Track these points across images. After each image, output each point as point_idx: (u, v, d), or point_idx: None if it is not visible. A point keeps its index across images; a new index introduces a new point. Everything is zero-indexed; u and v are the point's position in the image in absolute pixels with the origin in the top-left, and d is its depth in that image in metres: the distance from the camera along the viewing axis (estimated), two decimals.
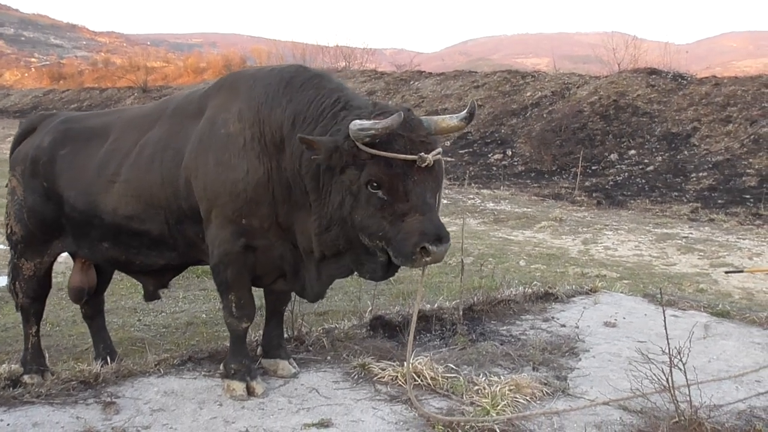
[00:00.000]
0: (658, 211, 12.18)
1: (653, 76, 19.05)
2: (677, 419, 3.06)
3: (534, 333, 4.50)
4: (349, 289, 6.33)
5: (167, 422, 3.03)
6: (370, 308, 4.77)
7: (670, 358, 3.12)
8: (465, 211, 11.83)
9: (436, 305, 4.93)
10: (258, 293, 3.80)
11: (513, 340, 4.37)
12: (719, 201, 12.48)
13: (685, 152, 15.28)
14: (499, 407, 3.20)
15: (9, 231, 3.85)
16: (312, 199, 3.06)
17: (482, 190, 14.66)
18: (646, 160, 15.37)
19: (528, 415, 3.22)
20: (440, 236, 2.76)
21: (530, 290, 5.38)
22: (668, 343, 3.15)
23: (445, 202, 12.57)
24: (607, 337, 4.49)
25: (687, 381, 3.14)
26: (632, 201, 13.05)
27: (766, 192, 12.19)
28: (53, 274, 5.91)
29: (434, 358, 3.78)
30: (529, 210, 12.24)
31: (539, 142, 16.81)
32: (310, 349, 4.02)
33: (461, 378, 3.52)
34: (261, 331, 3.87)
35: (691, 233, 10.11)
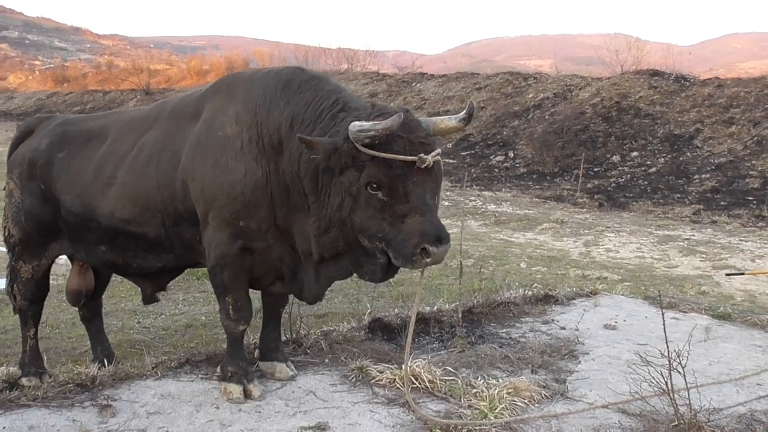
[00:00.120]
0: (660, 212, 12.14)
1: (656, 77, 18.99)
2: (676, 423, 3.05)
3: (533, 335, 4.48)
4: (348, 291, 6.32)
5: (163, 425, 3.02)
6: (369, 310, 4.76)
7: (669, 361, 3.10)
8: (466, 213, 11.81)
9: (435, 308, 4.92)
10: (255, 295, 3.80)
11: (512, 342, 4.35)
12: (722, 203, 12.43)
13: (688, 154, 15.23)
14: (497, 410, 3.19)
15: (6, 234, 3.85)
16: (311, 201, 3.05)
17: (484, 192, 14.63)
18: (648, 162, 15.32)
19: (526, 418, 3.20)
20: (440, 237, 2.75)
21: (530, 293, 5.36)
22: (667, 346, 3.13)
23: (446, 203, 12.55)
24: (607, 339, 4.46)
25: (686, 384, 3.12)
26: (634, 203, 13.01)
27: None
28: (54, 277, 5.94)
29: (432, 360, 3.76)
30: (531, 212, 12.21)
31: (541, 144, 16.77)
32: (308, 351, 4.00)
33: (459, 381, 3.50)
34: (259, 334, 3.85)
35: (694, 235, 10.06)
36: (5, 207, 3.87)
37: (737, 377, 3.82)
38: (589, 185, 14.45)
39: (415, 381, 3.48)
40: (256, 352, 3.76)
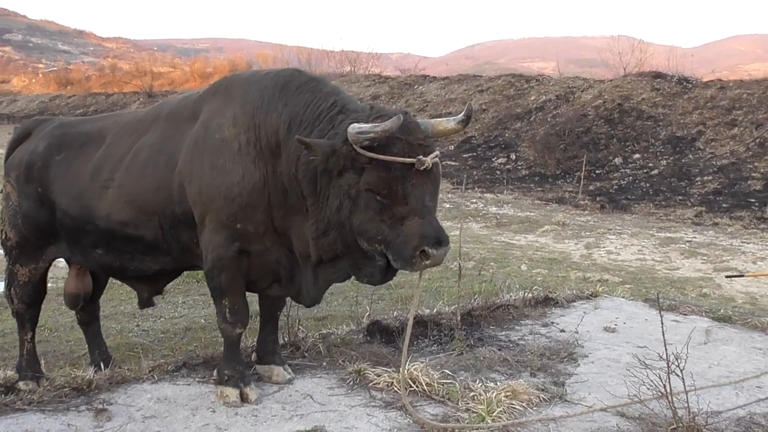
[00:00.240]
0: (662, 215, 12.11)
1: (658, 79, 18.99)
2: (675, 426, 3.02)
3: (533, 338, 4.46)
4: (348, 293, 6.30)
5: (159, 429, 3.01)
6: (368, 313, 4.75)
7: (667, 364, 3.08)
8: (467, 215, 11.80)
9: (435, 310, 4.89)
10: (253, 298, 3.79)
11: (511, 345, 4.33)
12: (724, 205, 12.39)
13: (690, 156, 15.20)
14: (494, 414, 3.17)
15: (4, 237, 3.84)
16: (309, 203, 3.04)
17: (485, 194, 14.62)
18: (650, 164, 15.29)
19: (524, 421, 3.19)
20: (440, 239, 2.74)
21: (530, 295, 5.33)
22: (666, 349, 3.11)
23: (447, 206, 12.54)
24: (606, 342, 4.44)
25: (685, 387, 3.09)
26: (636, 205, 12.98)
27: None
28: (54, 279, 5.95)
29: (431, 363, 3.74)
30: (532, 214, 12.19)
31: (543, 146, 16.76)
32: (306, 354, 3.99)
33: (457, 384, 3.48)
34: (256, 337, 3.84)
35: (695, 237, 10.04)
36: (2, 210, 3.87)
37: (737, 380, 3.80)
38: (591, 187, 14.43)
39: (412, 384, 3.46)
40: (254, 356, 3.74)
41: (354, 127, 2.74)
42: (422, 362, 3.66)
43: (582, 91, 19.89)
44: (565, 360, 4.05)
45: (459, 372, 3.74)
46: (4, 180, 3.85)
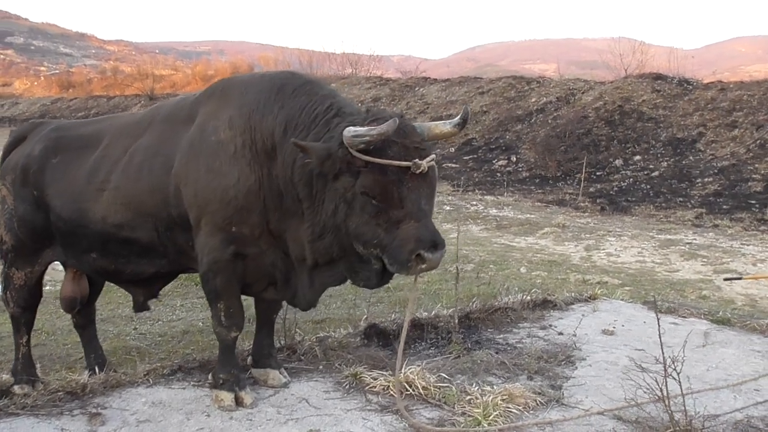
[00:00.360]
0: (662, 216, 12.08)
1: (658, 81, 18.94)
2: (671, 429, 3.01)
3: (530, 341, 4.44)
4: (347, 296, 6.29)
5: None
6: (365, 316, 4.73)
7: (664, 367, 3.06)
8: (468, 217, 11.78)
9: (433, 313, 4.88)
10: (249, 302, 3.78)
11: (509, 348, 4.32)
12: (724, 206, 12.36)
13: (691, 158, 15.17)
14: (491, 418, 3.15)
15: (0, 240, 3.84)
16: (305, 206, 3.03)
17: (486, 197, 14.60)
18: (651, 166, 15.26)
19: (520, 425, 3.17)
20: (436, 243, 2.74)
21: (528, 298, 5.32)
22: (663, 352, 3.09)
23: (447, 208, 12.54)
24: (604, 345, 4.42)
25: (682, 390, 3.08)
26: (636, 207, 12.96)
27: None
28: (52, 283, 5.94)
29: (427, 367, 3.73)
30: (532, 216, 12.17)
31: (544, 148, 16.73)
32: (302, 358, 3.98)
33: (454, 388, 3.47)
34: (252, 341, 3.83)
35: (695, 239, 10.01)
36: None
37: (735, 383, 3.78)
38: (591, 189, 14.41)
39: (408, 388, 3.45)
40: (249, 359, 3.73)
41: (349, 131, 2.74)
42: (419, 365, 3.65)
43: (582, 92, 19.86)
44: (563, 363, 4.04)
45: (456, 375, 3.73)
46: (0, 183, 3.85)
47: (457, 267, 4.79)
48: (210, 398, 3.33)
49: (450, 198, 14.05)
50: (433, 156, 2.87)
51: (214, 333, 3.45)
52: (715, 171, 14.19)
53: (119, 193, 3.41)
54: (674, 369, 3.00)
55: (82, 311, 4.04)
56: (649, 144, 16.19)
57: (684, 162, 14.98)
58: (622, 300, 5.72)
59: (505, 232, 10.65)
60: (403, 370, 3.50)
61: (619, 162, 15.81)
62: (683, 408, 3.04)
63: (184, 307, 6.12)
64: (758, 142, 14.70)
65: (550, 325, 4.83)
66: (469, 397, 3.35)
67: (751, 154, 14.33)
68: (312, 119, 3.03)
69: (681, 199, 13.24)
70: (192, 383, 3.57)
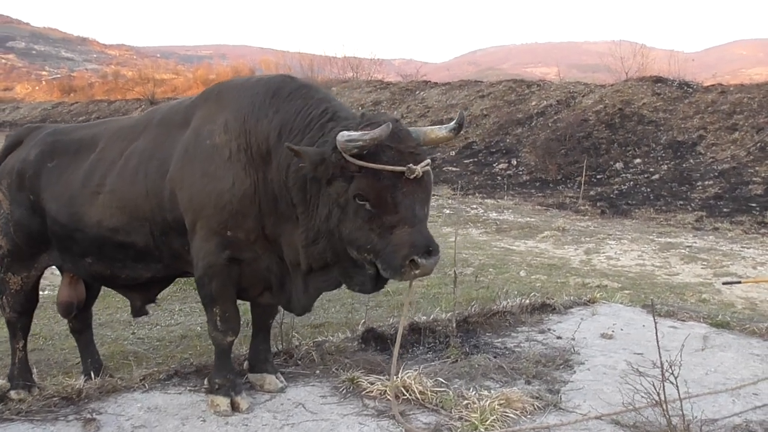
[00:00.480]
0: (662, 220, 12.06)
1: (659, 84, 18.93)
2: None
3: (529, 345, 4.42)
4: (346, 300, 6.28)
5: None
6: (363, 320, 4.72)
7: (662, 371, 3.04)
8: (467, 221, 11.76)
9: (431, 317, 4.86)
10: (245, 306, 3.77)
11: (507, 352, 4.30)
12: (725, 209, 12.34)
13: (691, 161, 15.15)
14: (488, 422, 3.13)
15: None
16: (299, 211, 3.03)
17: (486, 200, 14.58)
18: (651, 169, 15.24)
19: (517, 430, 3.16)
20: (430, 249, 2.72)
21: (527, 301, 5.30)
22: (660, 356, 3.07)
23: (447, 211, 12.52)
24: (603, 349, 4.40)
25: (679, 394, 3.06)
26: (637, 210, 12.94)
27: None
28: (51, 287, 5.94)
29: (425, 371, 3.71)
30: (532, 220, 12.15)
31: (544, 152, 16.71)
32: (299, 362, 3.96)
33: (451, 392, 3.45)
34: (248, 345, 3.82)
35: (695, 242, 9.99)
36: None
37: (734, 387, 3.76)
38: (591, 192, 14.39)
39: (405, 392, 3.43)
40: (246, 364, 3.72)
41: (343, 135, 2.73)
42: (416, 370, 3.64)
43: (583, 96, 19.86)
44: (561, 367, 4.02)
45: (453, 380, 3.71)
46: None
47: (455, 271, 4.77)
48: (206, 403, 3.32)
49: (450, 201, 14.04)
50: (428, 161, 2.85)
51: (209, 338, 3.44)
52: (716, 174, 14.17)
53: (114, 197, 3.41)
54: (671, 373, 2.98)
55: (79, 316, 4.03)
56: (650, 147, 16.17)
57: (684, 165, 14.96)
58: (621, 304, 5.69)
59: (505, 236, 10.64)
60: (399, 375, 3.49)
61: (619, 165, 15.79)
62: (681, 412, 3.02)
63: (182, 311, 6.11)
64: (759, 145, 14.68)
65: (549, 329, 4.81)
66: (466, 401, 3.33)
67: (751, 157, 14.30)
68: (307, 123, 3.02)
69: (681, 202, 13.21)
70: (188, 388, 3.56)
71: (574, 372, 3.96)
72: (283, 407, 3.37)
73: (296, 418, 3.25)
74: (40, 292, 5.23)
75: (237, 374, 3.49)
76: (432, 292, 6.49)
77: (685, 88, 18.51)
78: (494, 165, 17.71)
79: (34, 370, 4.00)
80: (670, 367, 3.00)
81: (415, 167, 2.73)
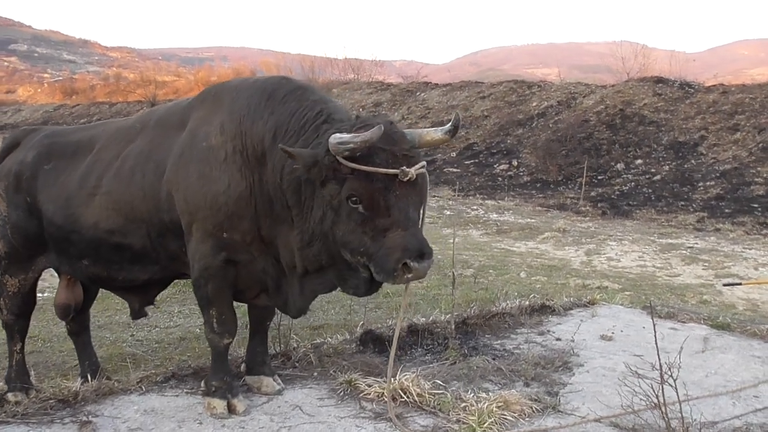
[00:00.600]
0: (663, 221, 12.03)
1: (660, 84, 18.91)
2: None
3: (528, 347, 4.40)
4: (345, 302, 6.25)
5: None
6: (361, 322, 4.70)
7: (660, 374, 3.02)
8: (468, 222, 11.75)
9: (430, 319, 4.85)
10: (243, 309, 3.75)
11: (506, 354, 4.28)
12: (726, 210, 12.30)
13: (693, 161, 15.12)
14: (485, 425, 3.12)
15: None
16: (294, 213, 3.01)
17: (486, 201, 14.57)
18: (652, 170, 15.21)
19: None
20: (423, 252, 2.70)
21: (526, 303, 5.28)
22: (659, 358, 3.05)
23: (447, 213, 12.50)
24: (602, 350, 4.38)
25: (678, 397, 3.04)
26: (638, 211, 12.91)
27: None
28: (50, 290, 5.92)
29: (423, 373, 3.70)
30: (533, 221, 12.13)
31: (545, 152, 16.70)
32: (297, 365, 3.95)
33: (449, 394, 3.43)
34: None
35: (697, 243, 9.96)
36: None
37: (734, 389, 3.74)
38: (592, 193, 14.37)
39: (403, 395, 3.42)
40: (243, 366, 3.71)
41: (335, 137, 2.71)
42: (414, 372, 3.62)
43: (584, 96, 19.85)
44: (560, 369, 4.00)
45: (451, 382, 3.69)
46: None
47: (453, 272, 4.75)
48: (202, 406, 3.31)
49: (450, 203, 14.01)
50: (423, 163, 2.83)
51: (206, 340, 3.42)
52: (717, 174, 14.13)
53: (111, 198, 3.40)
54: (670, 375, 2.96)
55: (76, 318, 4.02)
56: (651, 148, 16.15)
57: (686, 166, 14.94)
58: (621, 305, 5.67)
59: (505, 237, 10.62)
60: (397, 377, 3.47)
61: (620, 166, 15.77)
62: (680, 415, 3.00)
63: (181, 313, 6.09)
64: (761, 145, 14.64)
65: (548, 331, 4.79)
66: (464, 404, 3.31)
67: (753, 157, 14.27)
68: (301, 125, 3.01)
69: (683, 203, 13.19)
70: (185, 390, 3.54)
71: (573, 374, 3.94)
72: (280, 410, 3.35)
73: (293, 420, 3.24)
74: (40, 294, 5.25)
75: (234, 376, 3.48)
76: (431, 294, 6.47)
77: (687, 88, 18.49)
78: (495, 166, 17.69)
79: (32, 373, 3.99)
80: (669, 369, 2.98)
81: (408, 170, 2.71)
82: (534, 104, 20.54)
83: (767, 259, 8.69)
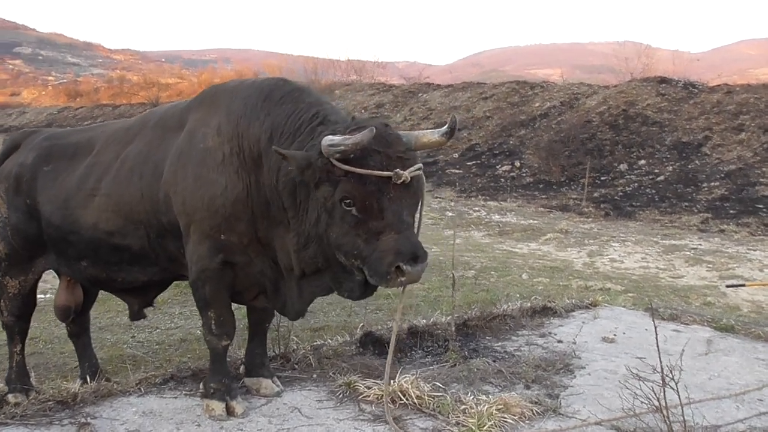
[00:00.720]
0: (667, 221, 11.99)
1: (663, 84, 18.86)
2: None
3: (529, 349, 4.38)
4: (346, 304, 6.24)
5: None
6: (361, 324, 4.68)
7: (662, 376, 2.99)
8: (470, 223, 11.72)
9: (431, 320, 4.82)
10: (244, 311, 3.74)
11: (507, 356, 4.25)
12: (731, 211, 12.25)
13: (697, 162, 15.06)
14: (485, 428, 3.09)
15: None
16: (290, 215, 3.00)
17: (488, 202, 14.54)
18: (656, 170, 15.16)
19: None
20: (416, 255, 2.66)
21: (528, 305, 5.25)
22: (660, 360, 3.02)
23: (449, 214, 12.48)
24: (604, 353, 4.35)
25: (680, 400, 3.01)
26: (641, 212, 12.86)
27: None
28: (53, 291, 5.91)
29: (422, 375, 3.67)
30: (535, 222, 12.10)
31: (547, 153, 16.67)
32: (296, 366, 3.93)
33: (448, 397, 3.41)
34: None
35: (700, 244, 9.91)
36: None
37: (738, 392, 3.70)
38: (595, 194, 14.33)
39: (402, 397, 3.39)
40: (242, 368, 3.69)
41: (326, 139, 2.69)
42: (413, 374, 3.60)
43: (586, 97, 19.81)
44: (561, 371, 3.97)
45: (451, 384, 3.67)
46: None
47: (453, 274, 4.72)
48: (201, 408, 3.29)
49: (452, 204, 14.00)
50: (418, 166, 2.80)
51: (205, 341, 3.41)
52: (722, 175, 14.08)
53: (110, 200, 3.40)
54: (671, 378, 2.93)
55: (76, 320, 4.02)
56: (654, 148, 16.10)
57: (690, 166, 14.88)
58: (623, 307, 5.64)
59: (507, 238, 10.59)
60: (397, 379, 3.45)
61: (623, 167, 15.72)
62: (682, 418, 2.97)
63: (182, 315, 6.09)
64: (765, 145, 14.58)
65: (550, 333, 4.76)
66: (463, 406, 3.28)
67: (758, 157, 14.21)
68: (297, 127, 2.99)
69: (686, 203, 13.13)
70: (184, 392, 3.53)
71: (575, 376, 3.91)
72: (279, 412, 3.34)
73: (292, 422, 3.22)
74: (42, 296, 5.26)
75: (232, 378, 3.46)
76: (433, 295, 6.45)
77: (690, 88, 18.43)
78: (497, 167, 17.66)
79: (33, 374, 3.99)
80: (671, 371, 2.96)
81: (402, 172, 2.68)
82: (536, 105, 20.51)
83: None
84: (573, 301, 5.64)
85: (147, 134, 3.48)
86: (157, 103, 36.55)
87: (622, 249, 9.60)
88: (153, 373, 3.78)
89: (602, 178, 15.33)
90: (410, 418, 3.27)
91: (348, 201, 2.70)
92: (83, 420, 3.10)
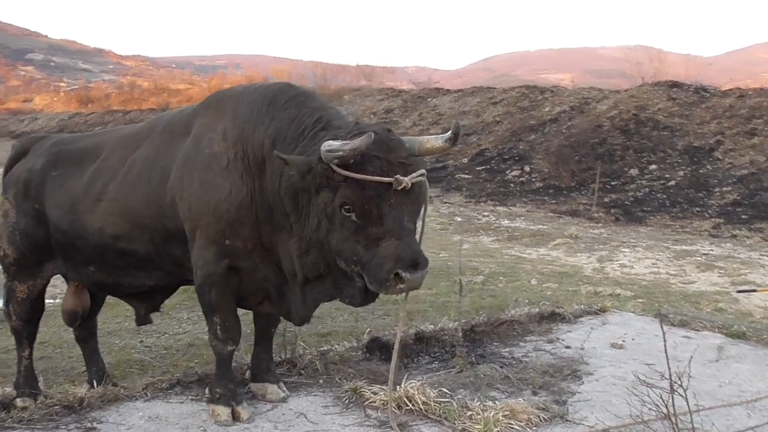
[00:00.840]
0: (678, 227, 11.89)
1: (674, 89, 18.74)
2: None
3: (536, 355, 4.35)
4: (354, 309, 6.17)
5: None
6: (368, 330, 4.67)
7: (670, 383, 2.96)
8: (479, 228, 11.68)
9: (438, 326, 4.80)
10: (250, 316, 3.73)
11: (514, 362, 4.22)
12: (743, 216, 12.13)
13: (708, 166, 14.94)
14: None
15: (2, 254, 3.85)
16: (292, 220, 2.99)
17: (498, 207, 14.49)
18: (667, 175, 15.05)
19: None
20: (416, 262, 2.64)
21: (536, 310, 5.22)
22: (669, 367, 2.99)
23: (458, 219, 12.45)
24: (613, 359, 4.31)
25: (689, 407, 2.97)
26: (652, 217, 12.77)
27: None
28: (63, 295, 5.95)
29: (429, 381, 3.66)
30: (545, 227, 12.04)
31: (557, 158, 16.60)
32: (303, 372, 3.92)
33: (454, 403, 3.38)
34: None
35: (712, 250, 9.81)
36: (1, 227, 3.87)
37: (748, 400, 3.65)
38: (606, 199, 14.24)
39: (408, 403, 3.38)
40: (248, 373, 3.69)
41: (325, 145, 2.67)
42: (420, 380, 3.58)
43: (597, 101, 19.72)
44: (569, 378, 3.94)
45: (458, 390, 3.65)
46: (3, 197, 3.87)
47: (460, 279, 4.71)
48: (207, 413, 3.29)
49: (462, 209, 13.97)
50: (421, 171, 2.77)
51: (210, 347, 3.41)
52: (734, 180, 13.95)
53: (116, 204, 3.41)
54: (680, 385, 2.89)
55: (84, 324, 4.04)
56: (665, 153, 15.98)
57: (701, 171, 14.76)
58: (632, 312, 5.59)
59: (516, 243, 10.54)
60: (403, 385, 3.44)
61: (634, 171, 15.63)
62: (691, 425, 2.94)
63: (190, 320, 6.10)
64: None
65: (558, 339, 4.73)
66: (470, 412, 3.26)
67: None
68: (300, 132, 2.99)
69: (698, 208, 13.02)
70: (190, 397, 3.54)
71: (582, 383, 3.88)
72: (284, 417, 3.33)
73: (297, 428, 3.21)
74: (51, 300, 5.29)
75: (238, 383, 3.46)
76: (440, 301, 6.42)
77: (702, 92, 18.30)
78: (507, 172, 17.61)
79: (41, 378, 4.00)
80: (680, 378, 2.92)
81: (402, 178, 2.65)
82: (546, 109, 20.44)
83: None
84: (582, 306, 5.60)
85: (155, 139, 3.50)
86: (167, 109, 36.82)
87: (633, 254, 9.52)
88: (159, 378, 3.79)
89: (613, 183, 15.24)
90: (416, 424, 3.25)
91: (347, 207, 2.69)
92: (89, 425, 3.11)
